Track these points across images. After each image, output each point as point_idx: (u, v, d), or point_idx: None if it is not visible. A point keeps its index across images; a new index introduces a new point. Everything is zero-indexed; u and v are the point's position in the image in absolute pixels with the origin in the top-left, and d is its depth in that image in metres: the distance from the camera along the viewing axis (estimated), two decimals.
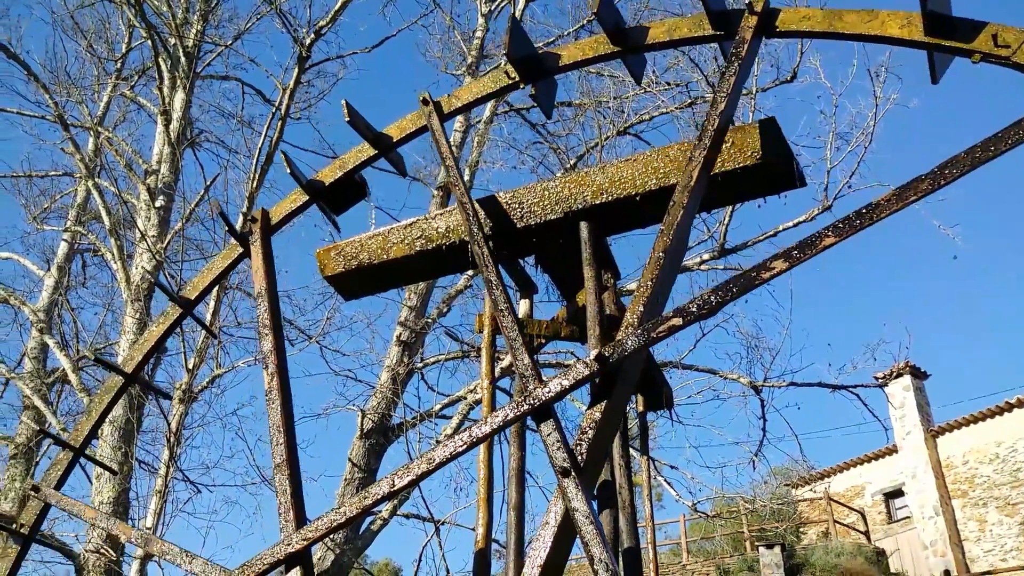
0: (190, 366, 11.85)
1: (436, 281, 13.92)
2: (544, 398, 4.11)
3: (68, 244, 16.92)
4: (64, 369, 13.88)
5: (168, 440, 11.24)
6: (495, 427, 4.18)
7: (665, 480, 13.18)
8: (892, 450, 28.42)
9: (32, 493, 5.68)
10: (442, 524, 11.92)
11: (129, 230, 14.85)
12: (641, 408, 6.92)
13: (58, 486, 5.69)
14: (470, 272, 13.47)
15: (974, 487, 26.42)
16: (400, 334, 13.10)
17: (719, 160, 5.11)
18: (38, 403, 13.47)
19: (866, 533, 28.24)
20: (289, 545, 4.40)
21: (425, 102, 5.42)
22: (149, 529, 10.74)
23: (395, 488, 4.26)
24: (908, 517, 27.97)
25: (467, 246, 5.83)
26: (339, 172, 5.84)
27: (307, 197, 5.87)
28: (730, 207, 12.22)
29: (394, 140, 5.74)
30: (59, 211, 17.99)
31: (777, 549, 23.08)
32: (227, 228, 5.86)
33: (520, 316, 6.14)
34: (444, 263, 6.11)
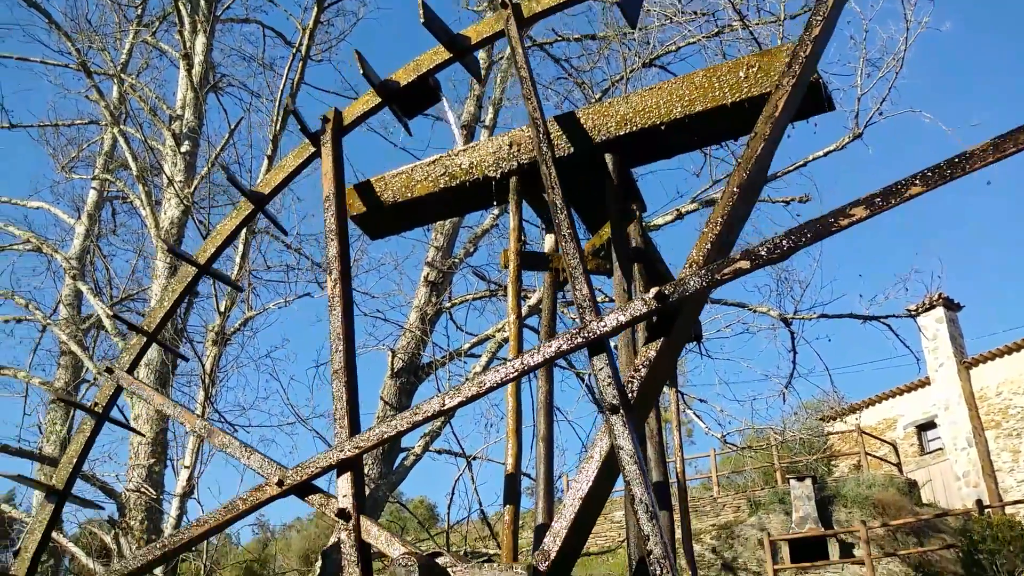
0: (222, 309, 11.99)
1: (462, 221, 13.91)
2: (599, 332, 4.00)
3: (97, 192, 17.07)
4: (98, 315, 14.10)
5: (203, 381, 11.43)
6: (548, 356, 4.10)
7: (695, 413, 13.24)
8: (924, 382, 28.30)
9: (106, 375, 5.78)
10: (473, 459, 12.08)
11: (156, 176, 14.93)
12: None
13: (130, 370, 5.76)
14: (495, 212, 13.47)
15: (1007, 418, 26.30)
16: (428, 274, 13.13)
17: (746, 86, 5.01)
18: (75, 348, 13.72)
19: (898, 465, 28.29)
20: (342, 452, 4.43)
21: (504, 4, 5.12)
22: (187, 467, 11.00)
23: (444, 407, 4.23)
24: (940, 449, 27.96)
25: (490, 182, 5.79)
26: (413, 75, 5.62)
27: (379, 99, 5.67)
28: None
29: (471, 43, 5.48)
30: (87, 160, 18.13)
31: (808, 481, 23.18)
32: (300, 127, 5.76)
33: (546, 250, 6.12)
34: (468, 200, 6.07)
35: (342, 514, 4.35)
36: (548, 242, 6.22)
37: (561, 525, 3.87)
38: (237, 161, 14.69)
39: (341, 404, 4.73)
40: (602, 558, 22.43)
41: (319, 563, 11.09)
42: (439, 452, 13.06)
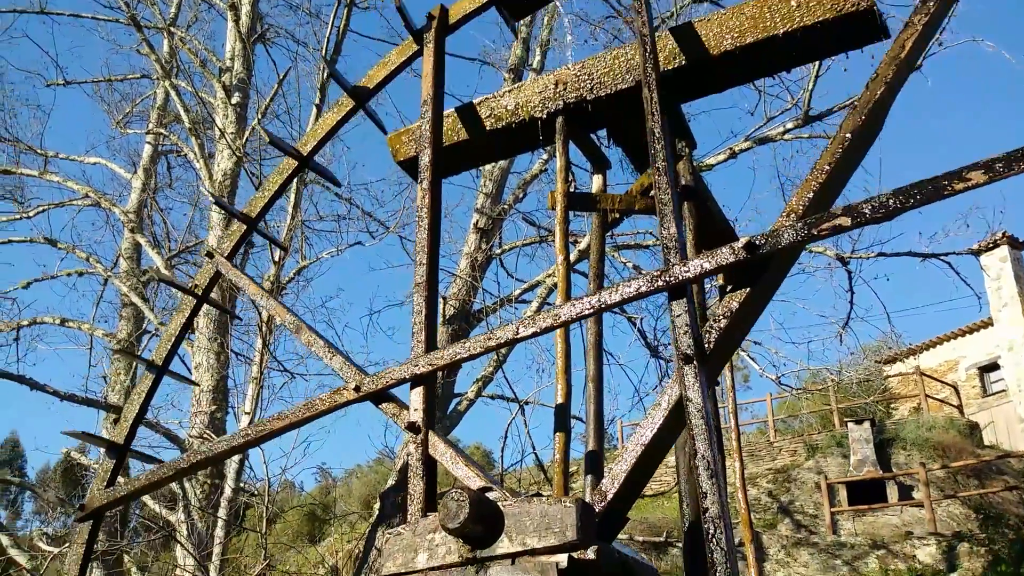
0: (276, 259, 12.15)
1: (511, 167, 13.83)
2: (682, 277, 3.84)
3: (152, 147, 17.32)
4: (157, 267, 14.40)
5: (260, 329, 11.64)
6: (626, 296, 3.98)
7: (749, 356, 13.12)
8: (987, 323, 27.67)
9: (207, 259, 5.92)
10: (526, 403, 12.15)
11: (208, 129, 15.09)
12: (721, 281, 6.84)
13: (229, 256, 5.88)
14: (544, 156, 13.36)
15: None
16: (477, 221, 13.12)
17: (797, 15, 4.84)
18: (136, 300, 14.05)
19: (959, 407, 27.84)
20: (416, 366, 4.47)
21: None
22: (248, 414, 11.26)
23: (518, 336, 4.19)
24: (1004, 391, 27.42)
25: (536, 123, 5.71)
26: None
27: None
28: (814, 72, 11.69)
29: None
30: (140, 115, 18.39)
31: (866, 424, 22.94)
32: (404, 22, 5.68)
33: (594, 191, 6.06)
34: (514, 142, 6.00)
35: (412, 427, 4.40)
36: (596, 183, 6.15)
37: (621, 468, 3.85)
38: (287, 111, 14.78)
39: (420, 319, 4.71)
40: (656, 501, 22.58)
41: (378, 504, 11.34)
42: (492, 397, 13.18)
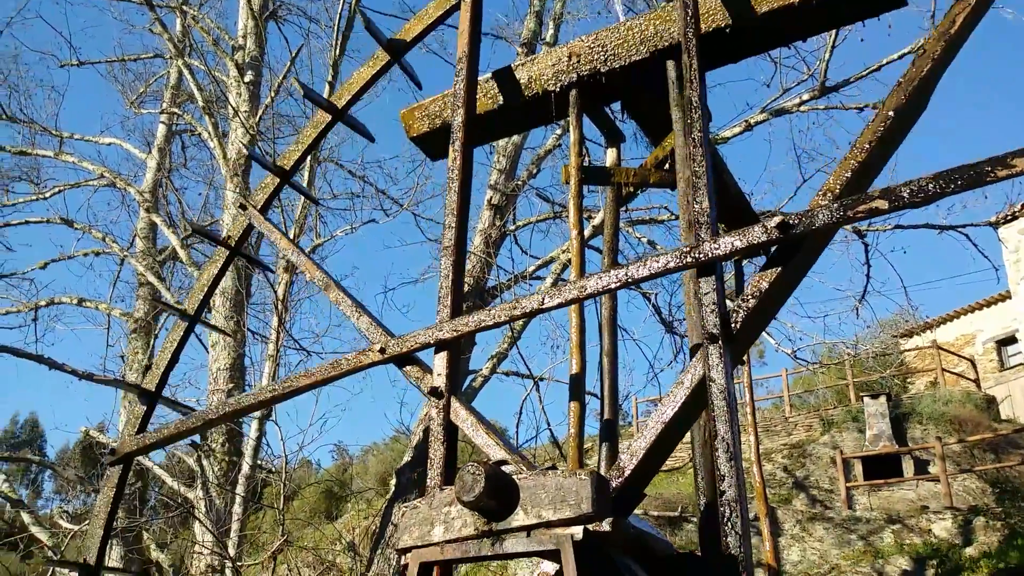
0: (291, 236, 12.17)
1: (525, 142, 13.78)
2: (711, 254, 3.78)
3: (166, 126, 17.35)
4: (173, 246, 14.46)
5: (276, 308, 11.69)
6: (654, 271, 3.95)
7: (765, 331, 13.06)
8: (1005, 296, 27.45)
9: (239, 211, 5.97)
10: (540, 380, 12.16)
11: (222, 108, 15.09)
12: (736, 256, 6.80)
13: (263, 209, 5.92)
14: (557, 131, 13.29)
15: None
16: (491, 197, 13.09)
17: None
18: (152, 279, 14.13)
19: (976, 381, 27.70)
20: (441, 331, 4.49)
21: None
22: (269, 377, 11.29)
23: (543, 306, 4.19)
24: (1021, 364, 27.26)
25: (550, 97, 5.66)
26: None
27: None
28: (830, 42, 11.56)
29: None
30: (154, 94, 18.40)
31: (882, 399, 22.87)
32: None
33: (608, 165, 6.02)
34: (528, 116, 5.97)
35: (434, 392, 4.41)
36: (610, 156, 6.12)
37: (640, 445, 3.85)
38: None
39: (447, 283, 4.69)
40: (671, 477, 22.62)
41: (394, 481, 11.41)
42: (506, 374, 13.19)
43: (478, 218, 13.22)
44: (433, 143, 6.25)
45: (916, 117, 4.13)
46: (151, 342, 14.91)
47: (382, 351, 4.67)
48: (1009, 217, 26.02)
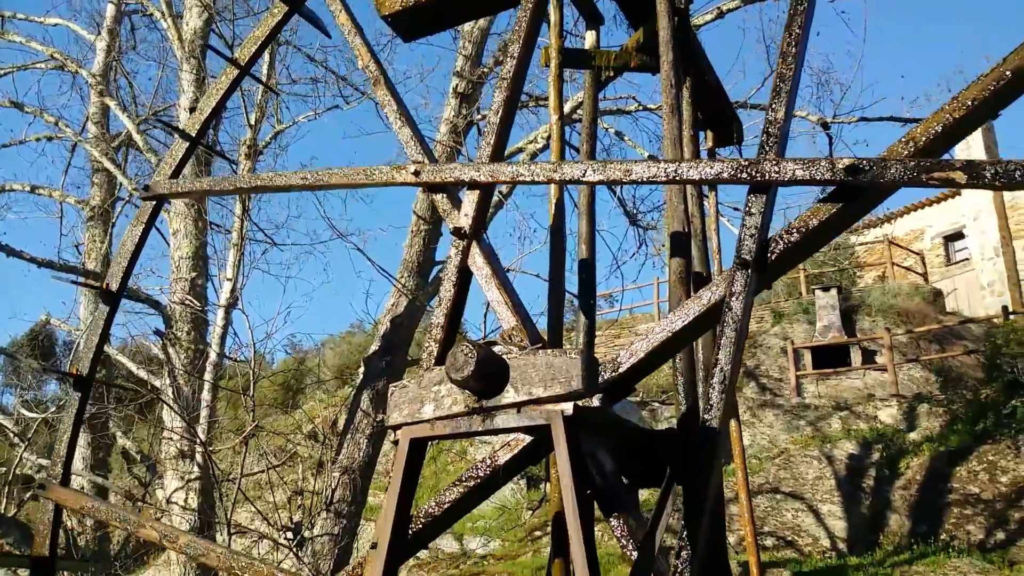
0: (252, 121, 11.89)
1: (491, 27, 13.46)
2: (770, 177, 3.64)
3: (115, 6, 16.57)
4: (128, 132, 14.05)
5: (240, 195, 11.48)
6: (705, 176, 3.83)
7: (727, 220, 13.23)
8: (955, 193, 27.98)
9: (143, 193, 5.93)
10: (508, 271, 12.22)
11: None
12: (711, 144, 6.83)
13: (174, 174, 5.86)
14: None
15: None
16: (456, 85, 12.85)
17: None
18: (108, 165, 13.77)
19: (924, 275, 28.45)
20: (478, 172, 4.43)
21: None
22: (230, 280, 11.24)
23: (584, 177, 4.09)
24: (967, 259, 28.02)
25: None
26: None
27: None
28: None
29: None
30: None
31: (833, 291, 23.40)
32: None
33: (587, 47, 5.94)
34: None
35: (457, 232, 4.39)
36: (589, 39, 6.03)
37: (642, 347, 3.90)
38: None
39: (495, 119, 4.61)
40: None
41: (362, 369, 11.53)
42: None
43: (445, 104, 13.00)
44: (406, 22, 6.06)
45: None
46: (109, 231, 14.64)
47: (416, 174, 4.59)
48: None
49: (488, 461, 4.33)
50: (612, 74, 6.02)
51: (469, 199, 4.43)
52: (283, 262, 22.07)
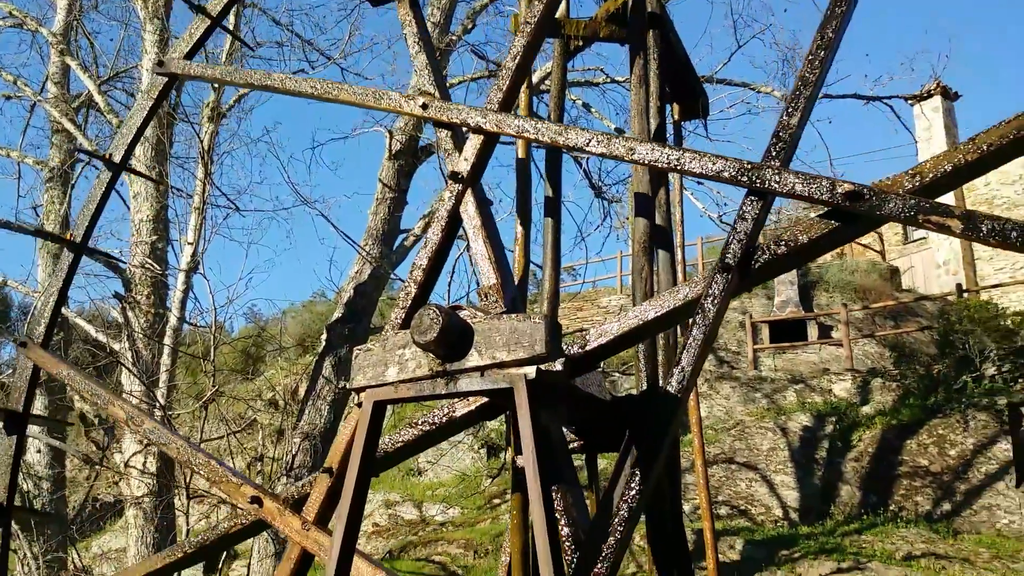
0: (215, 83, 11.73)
1: None
2: (770, 185, 3.60)
3: None
4: (89, 93, 13.79)
5: (203, 158, 11.37)
6: (706, 172, 3.80)
7: (691, 195, 13.36)
8: None
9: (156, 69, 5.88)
10: None
11: None
12: (676, 117, 6.87)
13: (189, 55, 5.86)
14: None
15: (993, 208, 26.59)
16: None
17: None
18: (68, 125, 13.51)
19: (881, 253, 28.94)
20: (486, 119, 4.41)
21: None
22: (191, 244, 11.14)
23: (588, 147, 4.06)
24: (924, 238, 28.50)
25: None
26: None
27: None
28: None
29: None
30: None
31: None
32: None
33: (557, 16, 5.95)
34: None
35: (454, 176, 4.39)
36: (559, 8, 6.03)
37: (612, 328, 3.93)
38: None
39: (511, 63, 4.58)
40: None
41: (324, 336, 11.53)
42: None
43: (412, 71, 12.91)
44: None
45: None
46: (68, 192, 14.39)
47: (424, 107, 4.58)
48: (924, 95, 26.65)
49: (445, 410, 4.41)
50: (581, 43, 6.04)
51: (472, 143, 4.42)
52: (245, 228, 21.92)
